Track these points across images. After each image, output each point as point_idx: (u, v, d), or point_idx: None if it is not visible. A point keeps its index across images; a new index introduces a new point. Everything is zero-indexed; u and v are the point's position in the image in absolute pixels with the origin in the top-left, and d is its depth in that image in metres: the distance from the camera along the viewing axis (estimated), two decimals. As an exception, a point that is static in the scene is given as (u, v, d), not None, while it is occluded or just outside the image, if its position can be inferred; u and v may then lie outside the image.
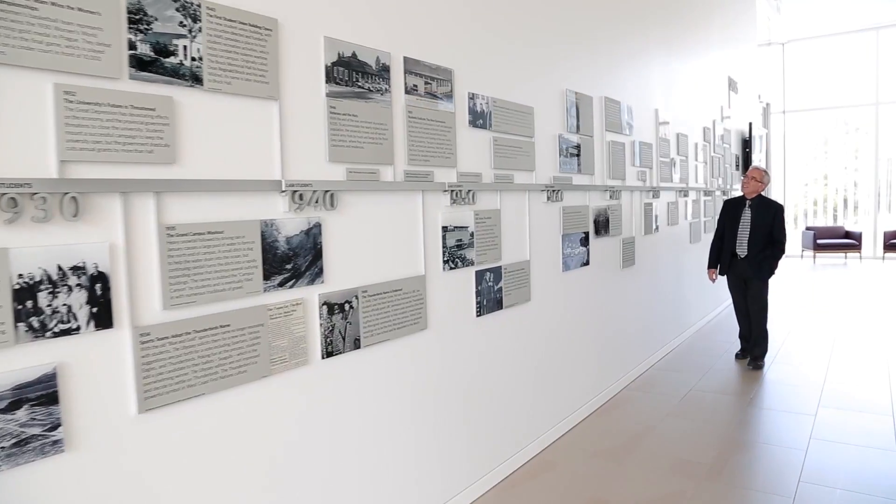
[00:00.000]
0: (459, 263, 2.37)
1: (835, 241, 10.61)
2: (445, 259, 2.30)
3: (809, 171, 11.72)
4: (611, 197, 3.62)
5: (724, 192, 6.54)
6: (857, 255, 10.74)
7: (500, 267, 2.61)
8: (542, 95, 2.91)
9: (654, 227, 4.44)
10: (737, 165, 7.35)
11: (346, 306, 1.93)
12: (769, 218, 4.19)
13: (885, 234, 10.35)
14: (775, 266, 4.19)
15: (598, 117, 3.50)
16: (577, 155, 3.23)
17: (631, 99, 3.98)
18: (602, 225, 3.54)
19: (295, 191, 1.74)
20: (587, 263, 3.38)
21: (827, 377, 4.04)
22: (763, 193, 4.34)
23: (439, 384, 2.31)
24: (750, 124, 7.53)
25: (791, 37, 11.22)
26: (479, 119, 2.47)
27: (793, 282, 8.73)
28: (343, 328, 1.92)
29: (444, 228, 2.30)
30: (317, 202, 1.81)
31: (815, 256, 10.93)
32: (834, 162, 11.57)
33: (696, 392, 3.82)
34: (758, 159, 8.46)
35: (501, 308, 2.63)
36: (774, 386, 3.90)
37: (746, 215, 4.27)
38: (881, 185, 11.04)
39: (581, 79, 3.29)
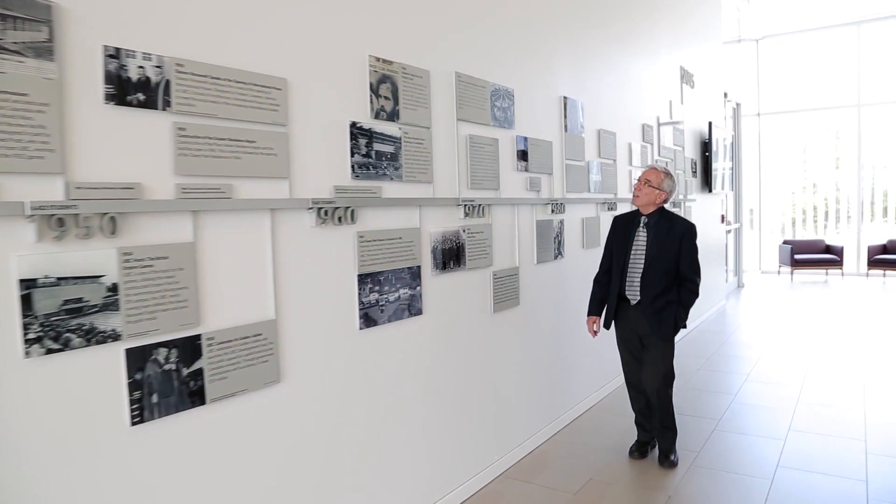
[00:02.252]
0: (77, 340, 1.37)
1: (814, 256, 9.72)
2: (34, 336, 1.31)
3: (787, 179, 10.85)
4: (468, 214, 2.65)
5: (674, 204, 5.60)
6: (839, 271, 9.87)
7: (196, 336, 1.61)
8: (311, 61, 1.93)
9: (555, 251, 3.47)
10: (693, 171, 6.43)
11: None
12: (673, 244, 2.83)
13: (870, 248, 9.47)
14: (684, 317, 2.88)
15: (444, 101, 2.53)
16: (395, 155, 2.25)
17: (515, 80, 3.02)
18: (450, 254, 2.56)
19: None
20: (419, 312, 2.39)
21: (782, 457, 3.07)
22: (668, 207, 3.05)
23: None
24: (710, 123, 6.62)
25: (765, 32, 10.38)
26: (136, 93, 1.48)
27: (764, 303, 7.82)
28: None
29: (30, 283, 1.30)
30: None
31: (792, 273, 10.04)
32: (813, 169, 10.71)
33: (598, 483, 2.84)
34: (725, 167, 7.57)
35: (203, 403, 1.63)
36: (707, 474, 2.92)
37: (640, 239, 2.90)
38: (864, 194, 10.19)
39: (404, 43, 2.32)
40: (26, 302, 1.30)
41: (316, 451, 1.96)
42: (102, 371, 1.43)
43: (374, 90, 2.16)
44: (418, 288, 2.37)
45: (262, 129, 1.77)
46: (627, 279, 2.90)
